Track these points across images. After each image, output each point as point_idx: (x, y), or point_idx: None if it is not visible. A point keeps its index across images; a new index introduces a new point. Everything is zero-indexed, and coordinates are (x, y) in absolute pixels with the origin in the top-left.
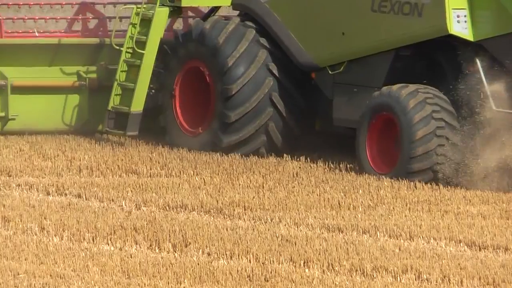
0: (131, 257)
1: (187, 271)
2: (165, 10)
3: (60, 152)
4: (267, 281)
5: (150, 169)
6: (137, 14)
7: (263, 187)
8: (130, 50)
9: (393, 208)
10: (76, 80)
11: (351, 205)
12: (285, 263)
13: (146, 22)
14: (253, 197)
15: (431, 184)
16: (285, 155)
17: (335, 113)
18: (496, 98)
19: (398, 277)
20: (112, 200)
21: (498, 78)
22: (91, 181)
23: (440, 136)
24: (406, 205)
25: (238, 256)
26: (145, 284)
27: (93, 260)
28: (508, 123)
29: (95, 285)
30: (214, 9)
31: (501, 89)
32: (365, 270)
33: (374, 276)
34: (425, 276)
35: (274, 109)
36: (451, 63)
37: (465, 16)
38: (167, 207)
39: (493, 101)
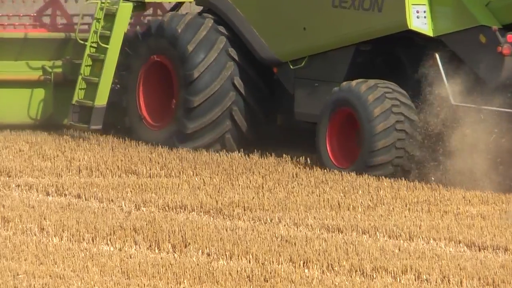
0: (130, 258)
1: (186, 272)
2: (129, 5)
3: (59, 152)
4: (267, 281)
5: (150, 169)
6: (101, 9)
7: (262, 187)
8: (95, 45)
9: (393, 208)
10: (42, 74)
11: (351, 206)
12: (284, 264)
13: (110, 17)
14: (253, 198)
15: (430, 184)
16: (284, 155)
17: (296, 108)
18: (454, 93)
19: (398, 278)
20: (112, 200)
21: (456, 73)
22: (91, 181)
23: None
24: (406, 206)
25: (238, 256)
26: (144, 285)
27: (92, 260)
28: (467, 117)
29: (94, 286)
30: (178, 5)
31: (459, 84)
32: (364, 270)
33: (374, 276)
34: (424, 277)
35: (237, 93)
36: (411, 58)
37: (424, 11)
38: (167, 208)
39: (452, 95)
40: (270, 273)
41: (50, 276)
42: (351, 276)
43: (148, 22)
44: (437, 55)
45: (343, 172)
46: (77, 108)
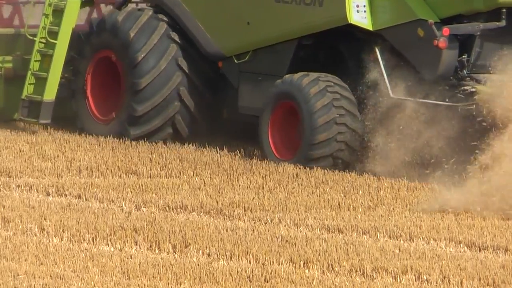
0: (131, 258)
1: (187, 272)
2: (77, 1)
3: (60, 153)
4: (267, 281)
5: (150, 169)
6: (50, 4)
7: (263, 188)
8: (43, 40)
9: (393, 209)
10: None
11: (351, 206)
12: (285, 264)
13: (58, 13)
14: (253, 198)
15: (430, 185)
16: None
17: (240, 101)
18: (393, 86)
19: (398, 278)
20: (112, 201)
21: (395, 66)
22: (91, 181)
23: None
24: (406, 206)
25: (238, 257)
26: (145, 285)
27: (93, 261)
28: (405, 109)
29: (95, 286)
30: (126, 1)
31: (398, 77)
32: (365, 270)
33: (374, 276)
34: (425, 277)
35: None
36: (351, 52)
37: (364, 6)
38: (167, 208)
39: (391, 88)
40: (271, 273)
41: (50, 276)
42: (351, 277)
43: (104, 14)
44: (376, 49)
45: (343, 173)
46: (26, 103)
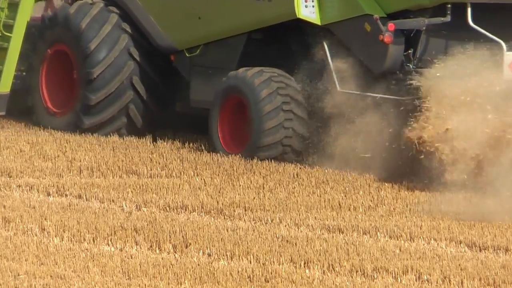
0: (131, 258)
1: (187, 272)
2: None
3: (60, 153)
4: (268, 281)
5: (151, 169)
6: None
7: (263, 188)
8: None
9: (394, 209)
10: None
11: (352, 206)
12: (285, 264)
13: (13, 6)
14: (254, 198)
15: (431, 185)
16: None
17: (192, 95)
18: (341, 80)
19: (399, 278)
20: (113, 201)
21: (343, 61)
22: (92, 182)
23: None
24: (407, 206)
25: (239, 256)
26: (145, 285)
27: (93, 261)
28: (352, 103)
29: (95, 286)
30: None
31: (345, 71)
32: (365, 270)
33: (375, 276)
34: (425, 277)
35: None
36: (300, 46)
37: (312, 1)
38: (168, 208)
39: (338, 82)
40: (271, 273)
41: (51, 276)
42: (351, 277)
43: (56, 9)
44: (325, 43)
45: (343, 173)
46: None
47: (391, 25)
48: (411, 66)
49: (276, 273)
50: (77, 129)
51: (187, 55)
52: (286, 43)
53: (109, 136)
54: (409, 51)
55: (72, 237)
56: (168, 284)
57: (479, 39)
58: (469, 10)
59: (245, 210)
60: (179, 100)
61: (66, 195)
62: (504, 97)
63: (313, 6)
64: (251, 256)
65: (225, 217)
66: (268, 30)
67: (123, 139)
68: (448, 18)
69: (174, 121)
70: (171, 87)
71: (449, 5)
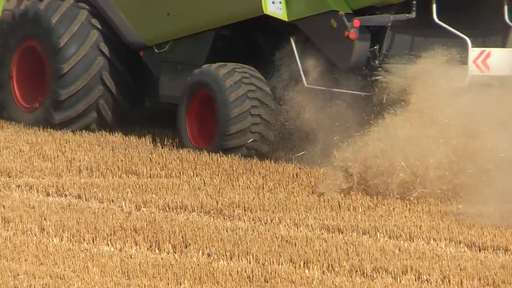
0: (131, 258)
1: (187, 272)
2: None
3: (60, 153)
4: (267, 282)
5: (150, 170)
6: None
7: (263, 188)
8: None
9: (393, 209)
10: None
11: (351, 206)
12: (285, 264)
13: None
14: (253, 198)
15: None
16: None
17: (161, 90)
18: (307, 75)
19: (398, 278)
20: (112, 201)
21: (310, 57)
22: (91, 182)
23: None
24: (406, 206)
25: (238, 257)
26: (145, 285)
27: (93, 261)
28: (318, 98)
29: (95, 286)
30: None
31: (312, 67)
32: (365, 271)
33: (374, 277)
34: (425, 277)
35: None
36: (268, 42)
37: None
38: (167, 208)
39: (305, 78)
40: (271, 273)
41: (50, 276)
42: (351, 277)
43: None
44: (292, 39)
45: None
46: None
47: (356, 22)
48: (376, 62)
49: (275, 273)
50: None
51: (156, 51)
52: (254, 39)
53: (108, 136)
54: (375, 47)
55: (71, 237)
56: (168, 284)
57: (444, 35)
58: (434, 6)
59: (245, 210)
60: (149, 95)
61: (66, 195)
62: (469, 92)
63: (280, 2)
64: (251, 256)
65: (225, 217)
66: (236, 26)
67: (122, 139)
68: (413, 15)
69: (146, 117)
70: (141, 83)
71: (414, 2)
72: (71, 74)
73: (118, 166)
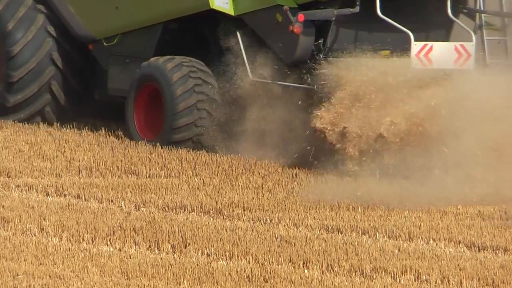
0: (130, 258)
1: (186, 272)
2: None
3: (59, 153)
4: (267, 281)
5: (149, 169)
6: None
7: (262, 188)
8: None
9: (393, 209)
10: None
11: (350, 206)
12: (284, 264)
13: None
14: (253, 198)
15: (431, 185)
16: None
17: (109, 83)
18: (253, 69)
19: (398, 278)
20: (112, 201)
21: (256, 50)
22: (90, 182)
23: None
24: (406, 206)
25: (238, 257)
26: (144, 285)
27: (92, 261)
28: (263, 92)
29: (94, 286)
30: None
31: (258, 61)
32: (364, 271)
33: (374, 277)
34: (424, 277)
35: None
36: (215, 36)
37: None
38: (166, 208)
39: (251, 71)
40: (270, 273)
41: (49, 276)
42: (350, 277)
43: None
44: (238, 33)
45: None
46: None
47: (301, 16)
48: (321, 56)
49: (275, 273)
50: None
51: (105, 44)
52: (201, 33)
53: (108, 136)
54: (319, 41)
55: (71, 237)
56: (167, 284)
57: (387, 29)
58: (377, 1)
59: (244, 210)
60: (97, 88)
61: (65, 195)
62: (411, 86)
63: None
64: (250, 256)
65: (224, 217)
66: (183, 20)
67: (122, 139)
68: (357, 9)
69: (95, 110)
70: (90, 76)
71: None
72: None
73: (118, 166)
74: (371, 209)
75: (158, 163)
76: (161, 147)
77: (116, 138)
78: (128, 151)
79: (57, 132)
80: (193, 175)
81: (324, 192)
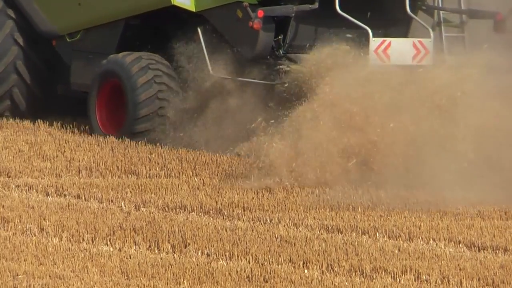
0: (130, 258)
1: (186, 272)
2: None
3: (59, 153)
4: (266, 281)
5: (149, 170)
6: None
7: (262, 187)
8: None
9: (392, 209)
10: None
11: (350, 206)
12: (284, 264)
13: None
14: (252, 198)
15: (430, 185)
16: None
17: (72, 78)
18: (213, 64)
19: (398, 278)
20: (111, 201)
21: (216, 46)
22: (90, 182)
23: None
24: (405, 206)
25: (237, 257)
26: (144, 285)
27: (92, 261)
28: (223, 87)
29: (94, 286)
30: None
31: (219, 56)
32: (364, 271)
33: (374, 277)
34: (424, 277)
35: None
36: (176, 32)
37: None
38: (166, 208)
39: (211, 67)
40: (270, 273)
41: (49, 276)
42: (350, 277)
43: None
44: (199, 29)
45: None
46: None
47: (260, 12)
48: (281, 52)
49: (275, 273)
50: None
51: (68, 40)
52: (163, 28)
53: (108, 136)
54: (279, 37)
55: (71, 237)
56: (167, 284)
57: (346, 26)
58: None
59: (244, 210)
60: (60, 83)
61: (65, 195)
62: (369, 81)
63: None
64: (250, 256)
65: (224, 217)
66: (145, 16)
67: (122, 139)
68: (316, 5)
69: (58, 106)
70: (54, 71)
71: None
72: None
73: (118, 166)
74: (371, 209)
75: (158, 163)
76: (161, 147)
77: (116, 138)
78: (128, 151)
79: (57, 132)
80: (193, 175)
81: (324, 192)
